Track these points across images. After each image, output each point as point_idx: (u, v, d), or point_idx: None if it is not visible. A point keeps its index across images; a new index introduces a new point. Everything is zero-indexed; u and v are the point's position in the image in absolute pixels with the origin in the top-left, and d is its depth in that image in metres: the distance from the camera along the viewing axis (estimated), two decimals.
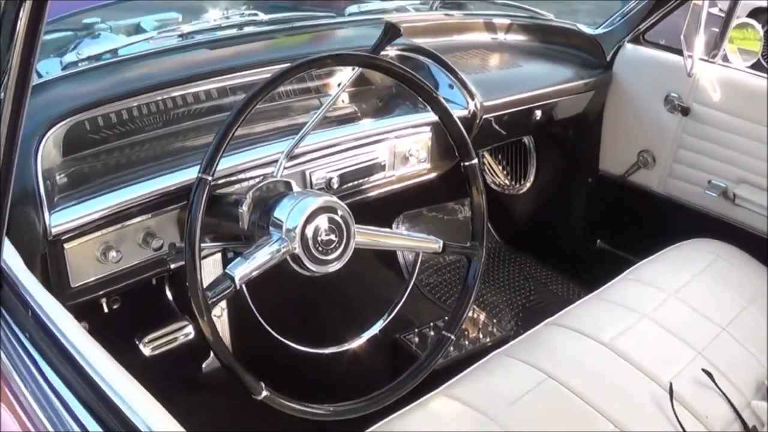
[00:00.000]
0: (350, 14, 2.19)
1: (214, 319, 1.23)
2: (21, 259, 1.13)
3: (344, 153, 1.74)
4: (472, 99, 1.94)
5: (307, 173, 1.68)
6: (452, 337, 1.52)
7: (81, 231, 1.35)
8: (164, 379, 1.86)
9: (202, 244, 1.25)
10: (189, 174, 1.45)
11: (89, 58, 1.63)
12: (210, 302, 1.19)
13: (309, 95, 1.85)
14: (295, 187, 1.43)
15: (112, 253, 1.40)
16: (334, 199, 1.32)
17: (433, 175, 1.97)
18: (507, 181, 2.78)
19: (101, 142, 1.53)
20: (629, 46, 2.34)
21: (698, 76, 2.14)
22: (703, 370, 1.52)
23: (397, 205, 2.59)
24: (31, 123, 1.30)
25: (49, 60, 1.70)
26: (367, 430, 1.34)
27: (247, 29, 1.93)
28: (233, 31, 1.89)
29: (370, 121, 1.81)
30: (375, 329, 1.54)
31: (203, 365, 2.02)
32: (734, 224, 2.19)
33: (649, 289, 1.78)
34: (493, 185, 2.78)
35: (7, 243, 1.10)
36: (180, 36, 1.80)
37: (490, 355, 1.58)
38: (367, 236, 1.39)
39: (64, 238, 1.33)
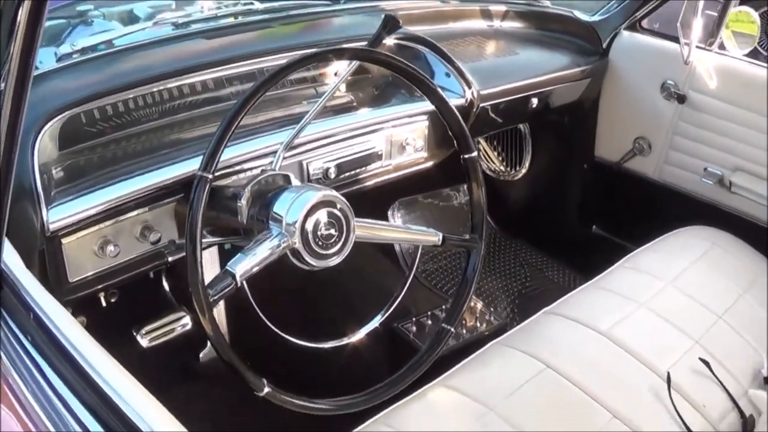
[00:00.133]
0: (346, 2, 2.17)
1: None
2: (21, 260, 1.12)
3: (341, 143, 1.73)
4: (469, 88, 1.94)
5: (304, 164, 1.67)
6: (452, 329, 1.52)
7: (78, 226, 1.34)
8: (162, 370, 1.88)
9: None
10: (186, 167, 1.45)
11: (84, 50, 1.62)
12: (211, 300, 1.19)
13: (305, 84, 1.84)
14: (294, 181, 1.42)
15: (110, 248, 1.40)
16: (334, 193, 1.32)
17: (429, 163, 1.97)
18: (502, 168, 2.78)
19: (97, 135, 1.52)
20: (625, 34, 2.33)
21: (695, 63, 2.14)
22: (701, 359, 1.53)
23: (392, 192, 2.59)
24: (28, 117, 1.29)
25: (43, 50, 1.68)
26: (366, 422, 1.35)
27: (243, 18, 1.91)
28: (229, 20, 1.87)
29: (367, 111, 1.81)
30: (375, 323, 1.54)
31: (200, 355, 2.02)
32: (730, 212, 2.20)
33: (645, 278, 1.78)
34: (488, 171, 2.78)
35: (6, 243, 1.10)
36: (175, 25, 1.78)
37: (488, 345, 1.58)
38: (366, 230, 1.38)
39: (61, 233, 1.32)
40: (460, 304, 1.55)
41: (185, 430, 0.89)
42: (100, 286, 1.44)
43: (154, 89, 1.59)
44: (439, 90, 1.52)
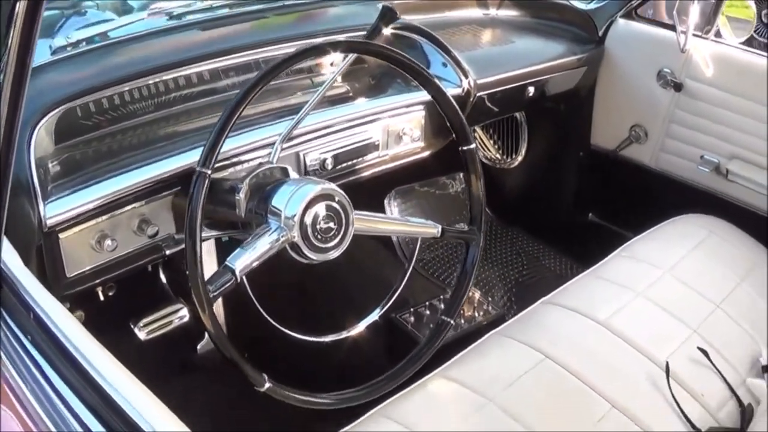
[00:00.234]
0: None
1: None
2: (19, 258, 1.12)
3: (338, 134, 1.73)
4: (466, 77, 1.93)
5: (301, 155, 1.67)
6: (452, 321, 1.52)
7: (76, 220, 1.34)
8: (160, 362, 1.88)
9: None
10: (182, 160, 1.44)
11: (79, 42, 1.60)
12: (211, 296, 1.19)
13: (301, 75, 1.83)
14: (292, 174, 1.42)
15: (107, 242, 1.39)
16: (332, 186, 1.31)
17: (426, 153, 1.96)
18: (498, 156, 2.77)
19: (93, 129, 1.51)
20: (621, 21, 2.32)
21: (691, 51, 2.13)
22: (699, 348, 1.53)
23: (388, 181, 2.58)
24: (24, 112, 1.28)
25: (38, 42, 1.66)
26: (365, 414, 1.35)
27: (238, 8, 1.89)
28: (224, 11, 1.86)
29: (364, 101, 1.80)
30: (374, 316, 1.53)
31: (198, 347, 2.02)
32: (726, 199, 2.20)
33: (643, 266, 1.78)
34: (484, 160, 2.78)
35: (5, 242, 1.09)
36: (170, 16, 1.77)
37: (487, 335, 1.58)
38: (365, 223, 1.38)
39: (59, 228, 1.32)
40: (460, 296, 1.55)
41: (186, 429, 0.89)
42: (97, 281, 1.43)
43: (150, 81, 1.58)
44: (439, 83, 1.51)
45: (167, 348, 1.88)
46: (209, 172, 1.21)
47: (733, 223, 1.99)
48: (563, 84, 2.32)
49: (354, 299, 1.92)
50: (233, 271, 1.22)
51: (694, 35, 2.11)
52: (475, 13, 2.37)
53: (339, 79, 1.84)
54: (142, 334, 1.82)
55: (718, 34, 2.14)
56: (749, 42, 2.17)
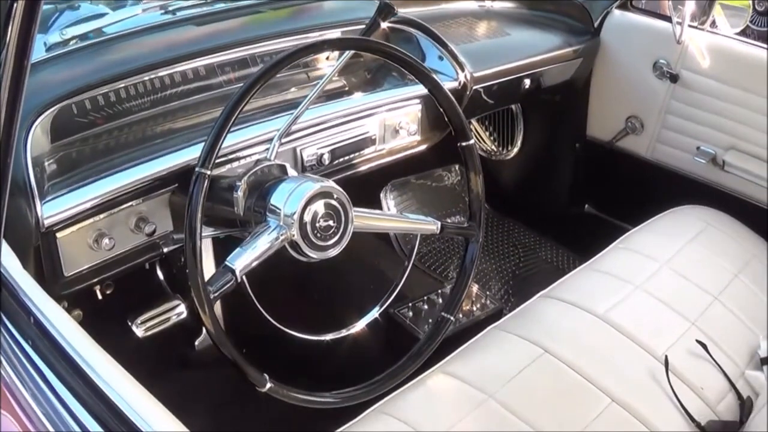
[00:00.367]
0: None
1: None
2: (19, 261, 1.11)
3: (335, 128, 1.72)
4: (462, 70, 1.93)
5: (298, 150, 1.66)
6: (452, 318, 1.51)
7: (73, 220, 1.33)
8: (158, 359, 1.88)
9: None
10: (179, 158, 1.44)
11: (73, 38, 1.59)
12: (212, 297, 1.18)
13: (297, 70, 1.82)
14: (291, 171, 1.41)
15: (105, 240, 1.39)
16: (331, 183, 1.31)
17: (423, 147, 1.96)
18: (494, 147, 2.77)
19: (89, 126, 1.50)
20: (617, 12, 2.31)
21: (687, 42, 2.13)
22: (698, 341, 1.53)
23: (384, 174, 2.58)
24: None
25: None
26: (365, 411, 1.35)
27: (233, 3, 1.88)
28: (220, 6, 1.85)
29: (360, 95, 1.79)
30: (374, 313, 1.53)
31: (196, 343, 2.01)
32: (723, 190, 2.20)
33: (641, 259, 1.78)
34: (480, 152, 2.77)
35: (4, 245, 1.08)
36: (165, 10, 1.76)
37: (486, 330, 1.58)
38: (364, 220, 1.37)
39: (56, 228, 1.31)
40: (460, 292, 1.54)
41: (185, 430, 0.89)
42: (95, 280, 1.43)
43: (146, 78, 1.57)
44: (439, 81, 1.50)
45: (165, 345, 1.88)
46: (209, 172, 1.20)
47: (730, 214, 1.99)
48: (559, 76, 2.31)
49: (353, 296, 1.92)
50: (233, 272, 1.21)
51: (689, 26, 2.11)
52: (471, 5, 2.36)
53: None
54: (139, 332, 1.82)
55: (713, 25, 2.14)
56: (744, 31, 2.17)
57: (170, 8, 1.76)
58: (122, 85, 1.53)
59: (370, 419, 1.33)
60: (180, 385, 1.81)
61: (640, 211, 2.01)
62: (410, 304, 2.05)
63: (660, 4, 2.28)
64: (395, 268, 1.57)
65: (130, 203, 1.41)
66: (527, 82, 2.16)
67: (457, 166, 2.79)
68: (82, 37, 1.61)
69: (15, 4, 0.88)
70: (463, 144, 1.51)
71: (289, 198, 1.26)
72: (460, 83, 1.93)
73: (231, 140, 1.49)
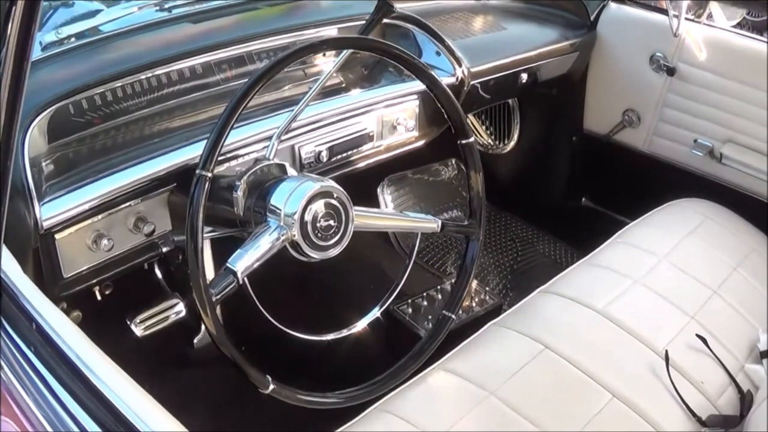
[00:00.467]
0: None
1: None
2: (19, 266, 1.10)
3: (333, 125, 1.72)
4: (459, 66, 1.92)
5: (296, 148, 1.66)
6: (453, 317, 1.51)
7: (72, 221, 1.32)
8: (157, 358, 1.87)
9: None
10: (177, 157, 1.44)
11: (69, 37, 1.58)
12: (214, 299, 1.18)
13: (294, 67, 1.81)
14: (290, 170, 1.40)
15: (104, 241, 1.38)
16: (331, 183, 1.30)
17: (421, 142, 1.96)
18: (491, 141, 2.77)
19: (86, 126, 1.50)
20: (613, 6, 2.31)
21: (684, 35, 2.13)
22: (697, 335, 1.53)
23: (381, 169, 2.57)
24: None
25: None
26: (367, 410, 1.35)
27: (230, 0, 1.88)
28: (216, 3, 1.84)
29: (358, 92, 1.79)
30: (375, 313, 1.53)
31: (195, 341, 2.01)
32: (720, 183, 2.20)
33: (639, 253, 1.78)
34: (477, 146, 2.77)
35: (4, 249, 1.08)
36: (160, 8, 1.75)
37: (486, 326, 1.58)
38: (365, 219, 1.37)
39: (55, 229, 1.31)
40: (460, 291, 1.54)
41: (185, 430, 0.89)
42: (94, 281, 1.43)
43: (143, 77, 1.57)
44: (437, 77, 1.49)
45: (164, 343, 1.88)
46: (210, 174, 1.19)
47: (727, 207, 1.99)
48: (556, 69, 2.31)
49: (353, 295, 1.92)
50: (235, 273, 1.21)
51: (686, 19, 2.11)
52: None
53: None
54: (138, 331, 1.81)
55: (710, 18, 2.13)
56: (740, 22, 2.17)
57: (166, 6, 1.75)
58: (119, 84, 1.53)
59: (371, 418, 1.33)
60: (180, 385, 1.81)
61: (637, 204, 2.01)
62: (409, 301, 2.04)
63: None
64: (395, 266, 1.57)
65: (128, 203, 1.41)
66: (524, 76, 2.16)
67: (454, 161, 2.79)
68: (78, 35, 1.60)
69: (15, 4, 0.87)
70: (463, 142, 1.50)
71: (290, 198, 1.25)
72: (457, 79, 1.92)
73: (230, 138, 1.46)
